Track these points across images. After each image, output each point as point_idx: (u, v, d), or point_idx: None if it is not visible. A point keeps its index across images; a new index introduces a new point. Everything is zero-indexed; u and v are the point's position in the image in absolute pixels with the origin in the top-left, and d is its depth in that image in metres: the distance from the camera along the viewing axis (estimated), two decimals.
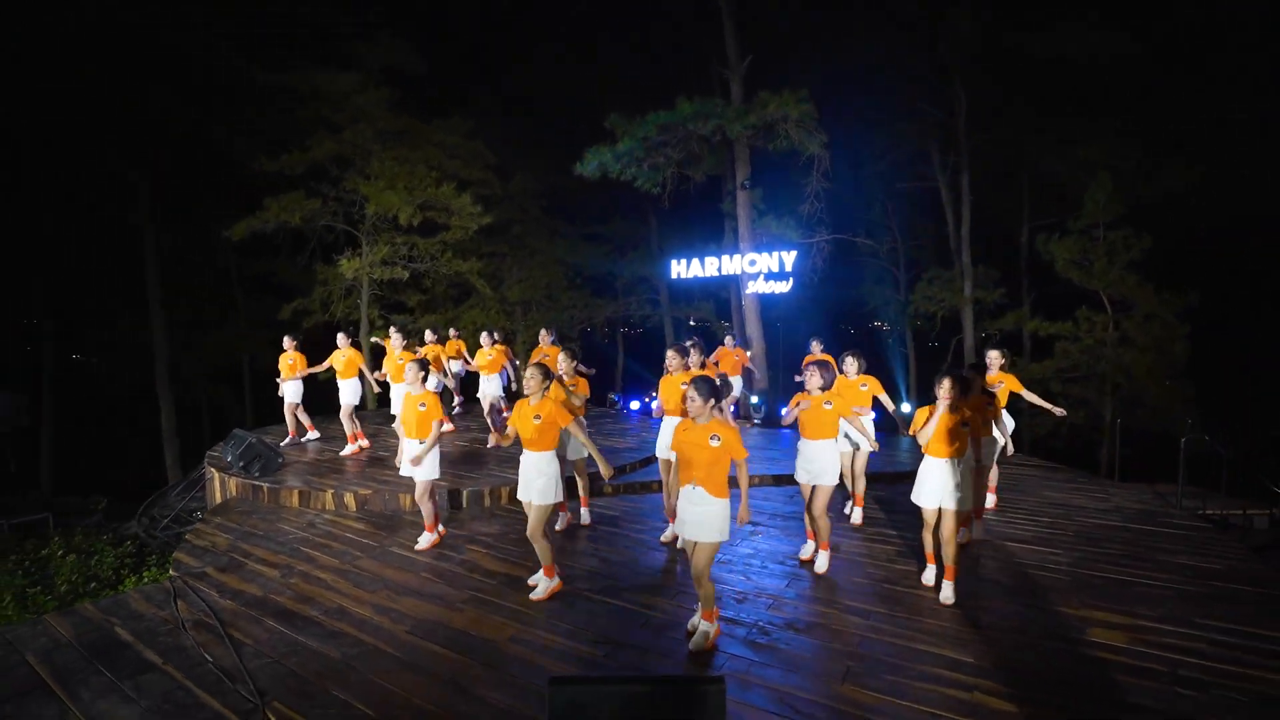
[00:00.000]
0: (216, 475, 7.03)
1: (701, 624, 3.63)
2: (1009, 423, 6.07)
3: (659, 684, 2.44)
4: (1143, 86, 15.32)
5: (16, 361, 20.83)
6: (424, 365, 4.92)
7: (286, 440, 8.27)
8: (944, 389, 4.14)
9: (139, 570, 6.42)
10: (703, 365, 6.15)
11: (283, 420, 8.55)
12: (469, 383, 10.21)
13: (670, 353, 5.14)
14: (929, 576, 4.36)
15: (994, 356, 5.98)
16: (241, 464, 6.65)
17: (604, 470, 4.27)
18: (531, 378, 4.34)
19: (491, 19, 17.73)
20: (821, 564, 4.63)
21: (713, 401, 3.53)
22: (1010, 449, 5.78)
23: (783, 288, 11.62)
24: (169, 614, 4.07)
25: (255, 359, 20.20)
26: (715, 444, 3.46)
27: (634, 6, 14.50)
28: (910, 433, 4.38)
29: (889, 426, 8.64)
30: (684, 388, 3.60)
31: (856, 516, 5.79)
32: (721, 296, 18.51)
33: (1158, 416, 13.26)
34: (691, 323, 20.98)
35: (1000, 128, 16.66)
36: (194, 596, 4.31)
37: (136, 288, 17.66)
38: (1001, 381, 5.95)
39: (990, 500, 6.15)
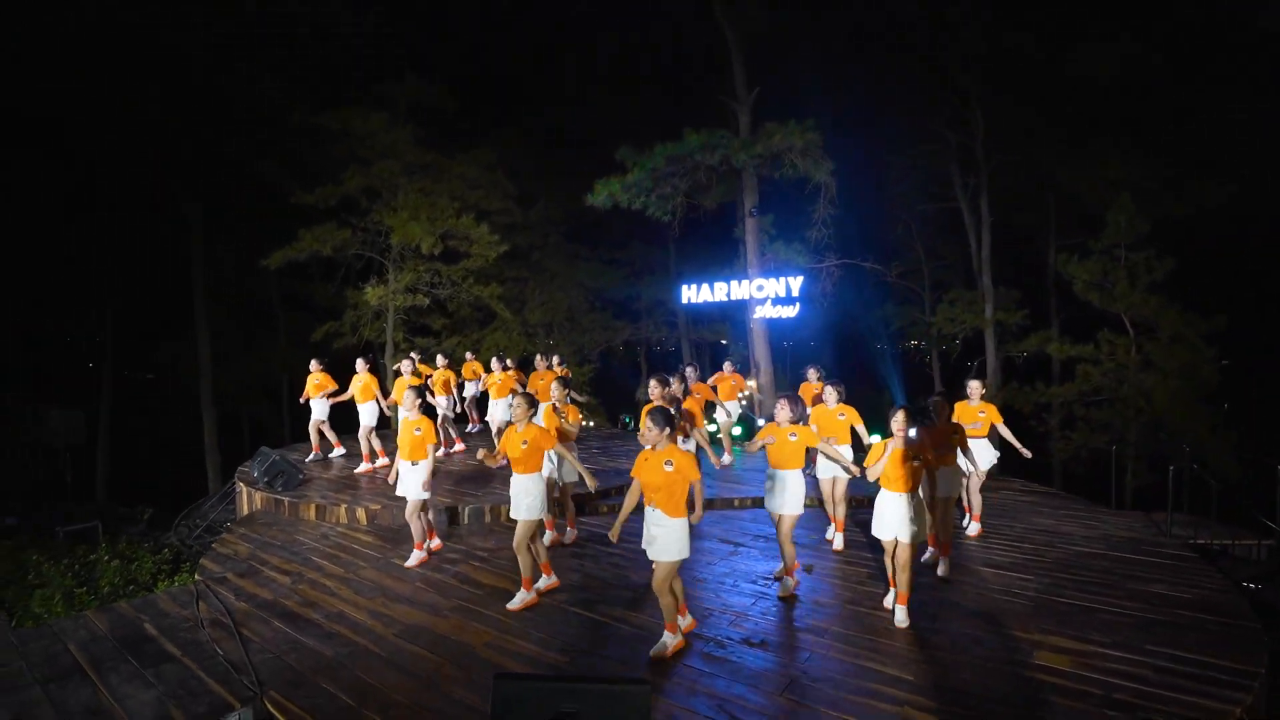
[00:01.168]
0: (244, 489, 7.61)
1: (665, 634, 3.92)
2: (990, 453, 6.17)
3: (589, 683, 2.76)
4: (1168, 102, 15.16)
5: (77, 378, 22.27)
6: (420, 392, 5.36)
7: (311, 456, 8.84)
8: (897, 422, 4.35)
9: (173, 575, 6.99)
10: (686, 394, 6.48)
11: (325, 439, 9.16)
12: (484, 405, 10.66)
13: (652, 381, 5.48)
14: (890, 600, 4.52)
15: (975, 386, 6.13)
16: (266, 479, 7.20)
17: (590, 483, 4.76)
18: (518, 406, 4.75)
19: (514, 59, 18.64)
20: (787, 587, 4.84)
21: (668, 430, 3.86)
22: (978, 477, 5.89)
23: (790, 312, 11.85)
24: (190, 613, 4.55)
25: (294, 377, 21.25)
26: (669, 469, 3.77)
27: (647, 44, 15.14)
28: (865, 465, 4.51)
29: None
30: (646, 417, 3.95)
31: (838, 542, 5.92)
32: (738, 319, 18.77)
33: (1182, 443, 12.94)
34: (721, 341, 21.17)
35: (1021, 148, 16.64)
36: (214, 598, 4.79)
37: (185, 309, 18.90)
38: (984, 411, 6.10)
39: (974, 529, 6.24)
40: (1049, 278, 19.44)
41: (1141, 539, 6.26)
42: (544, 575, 4.88)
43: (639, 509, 3.98)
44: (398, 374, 8.68)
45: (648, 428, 3.85)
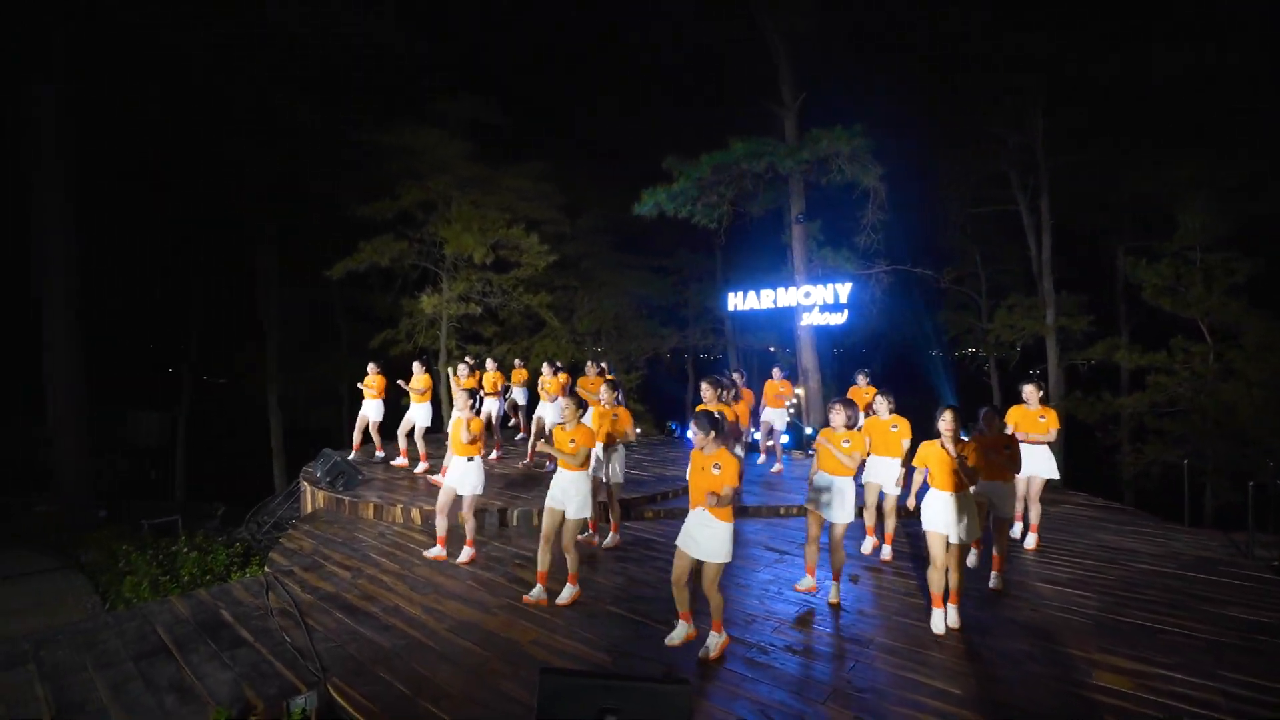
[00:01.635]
0: (308, 488, 8.03)
1: (711, 634, 3.99)
2: (1050, 461, 5.92)
3: (631, 681, 2.85)
4: (1245, 99, 14.25)
5: (159, 384, 23.86)
6: (473, 394, 5.59)
7: (379, 455, 9.26)
8: (945, 422, 4.30)
9: (244, 566, 7.45)
10: (736, 399, 6.52)
11: (369, 440, 9.58)
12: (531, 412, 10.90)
13: (704, 384, 5.56)
14: (936, 622, 4.31)
15: (1030, 391, 5.93)
16: (328, 479, 7.59)
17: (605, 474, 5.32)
18: (567, 407, 4.92)
19: (561, 71, 19.10)
20: (833, 595, 4.80)
21: (713, 434, 3.94)
22: (1037, 485, 5.68)
23: (838, 320, 11.69)
24: (261, 602, 4.86)
25: (354, 383, 22.22)
26: (716, 472, 3.85)
27: (692, 54, 15.27)
28: (915, 465, 4.53)
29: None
30: (692, 421, 4.04)
31: (886, 553, 5.83)
32: (785, 326, 18.59)
33: (1268, 457, 12.07)
34: (769, 349, 21.03)
35: (1085, 148, 15.94)
36: (281, 589, 5.10)
37: (257, 319, 20.08)
38: (1044, 416, 5.89)
39: (1031, 541, 6.03)
40: (1117, 282, 18.52)
41: (1217, 559, 5.92)
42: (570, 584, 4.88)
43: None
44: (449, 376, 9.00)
45: (692, 431, 3.94)
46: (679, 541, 3.99)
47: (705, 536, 3.85)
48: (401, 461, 8.68)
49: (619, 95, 17.59)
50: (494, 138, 14.42)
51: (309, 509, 7.97)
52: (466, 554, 5.68)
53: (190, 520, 11.51)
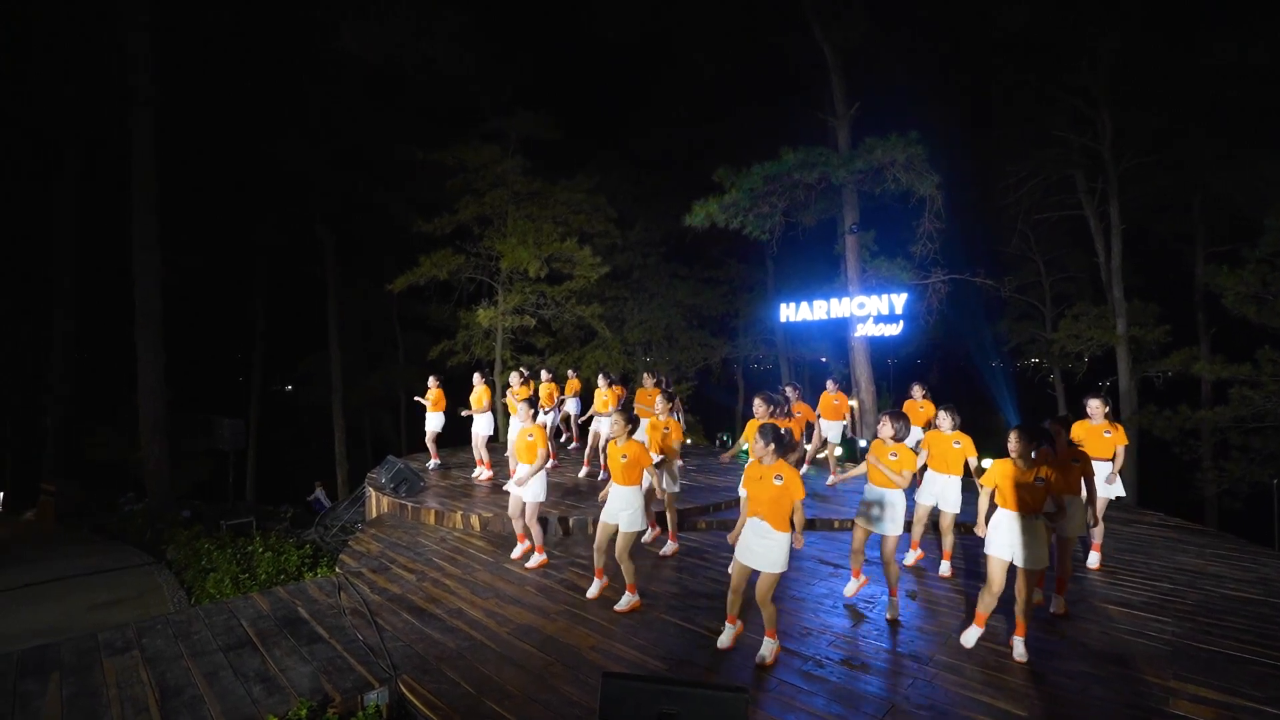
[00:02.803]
0: (373, 494, 8.41)
1: (765, 640, 4.06)
2: (1112, 487, 5.64)
3: (690, 687, 2.93)
4: None
5: (231, 391, 25.36)
6: (533, 403, 5.78)
7: (432, 464, 9.62)
8: (1011, 442, 4.20)
9: (314, 567, 7.84)
10: (788, 414, 6.52)
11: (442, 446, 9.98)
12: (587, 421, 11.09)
13: (756, 400, 5.58)
14: (968, 637, 4.25)
15: (1095, 405, 5.67)
16: (391, 485, 7.94)
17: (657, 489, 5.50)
18: (617, 422, 5.02)
19: (612, 84, 19.47)
20: (890, 610, 4.74)
21: (774, 446, 3.99)
22: (1094, 518, 5.37)
23: (893, 330, 11.47)
24: (334, 601, 5.15)
25: (410, 392, 23.10)
26: (778, 483, 3.89)
27: (743, 65, 15.32)
28: (983, 484, 4.42)
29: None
30: (756, 431, 4.10)
31: (944, 569, 5.71)
32: (838, 336, 18.31)
33: None
34: (822, 360, 20.77)
35: (1157, 149, 15.20)
36: (352, 590, 5.38)
37: (320, 330, 21.12)
38: (1109, 432, 5.64)
39: (1094, 560, 5.79)
40: (1195, 290, 17.52)
41: None
42: (596, 579, 5.18)
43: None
44: (506, 386, 9.29)
45: (755, 442, 3.99)
46: (737, 554, 4.07)
47: (763, 547, 3.91)
48: (486, 474, 8.96)
49: (670, 108, 17.80)
50: (547, 152, 14.83)
51: (374, 514, 8.34)
52: (535, 560, 5.88)
53: (261, 522, 12.18)
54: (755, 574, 3.99)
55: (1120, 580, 5.59)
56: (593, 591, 5.12)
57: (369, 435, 26.07)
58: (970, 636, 4.26)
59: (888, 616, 4.71)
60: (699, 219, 11.90)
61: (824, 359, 20.51)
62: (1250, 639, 4.43)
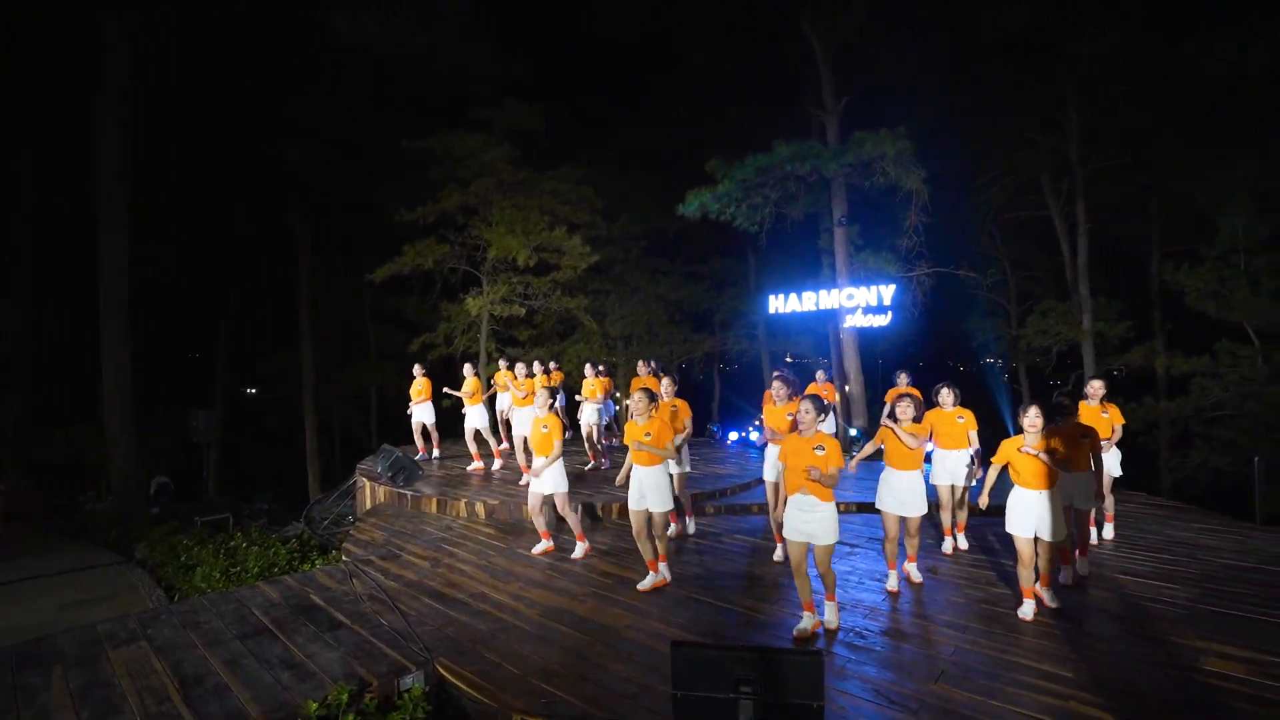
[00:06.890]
0: (367, 484, 8.13)
1: (827, 604, 4.14)
2: (1113, 460, 5.87)
3: (764, 653, 2.87)
4: None
5: (196, 387, 24.25)
6: (553, 393, 5.64)
7: (418, 456, 9.35)
8: (1029, 418, 4.28)
9: (303, 562, 7.52)
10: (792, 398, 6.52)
11: (410, 441, 9.70)
12: (571, 410, 10.95)
13: (776, 383, 5.54)
14: (1025, 609, 4.30)
15: (1096, 386, 5.88)
16: (390, 474, 7.68)
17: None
18: (638, 401, 4.91)
19: (598, 76, 19.35)
20: (915, 574, 4.81)
21: (821, 416, 3.99)
22: (1104, 487, 5.57)
23: (881, 321, 11.67)
24: (347, 588, 4.94)
25: (382, 388, 22.48)
26: (820, 453, 3.87)
27: (733, 59, 15.40)
28: (994, 462, 4.49)
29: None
30: (801, 402, 4.05)
31: (961, 543, 5.81)
32: (819, 331, 18.54)
33: None
34: (789, 359, 21.05)
35: (1121, 151, 15.83)
36: (365, 577, 5.17)
37: (290, 326, 20.39)
38: (1106, 412, 5.84)
39: (1109, 531, 5.99)
40: (1152, 287, 18.31)
41: None
42: (662, 564, 4.97)
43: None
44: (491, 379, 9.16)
45: (804, 411, 3.98)
46: (786, 533, 4.05)
47: (815, 520, 3.90)
48: (477, 465, 8.79)
49: (664, 106, 17.79)
50: (532, 142, 14.62)
51: (368, 505, 8.07)
52: (580, 549, 5.65)
53: (238, 519, 11.66)
54: (810, 549, 3.98)
55: (1123, 553, 5.77)
56: (645, 584, 4.84)
57: (338, 432, 25.30)
58: (1027, 609, 4.30)
59: (913, 580, 4.86)
60: (692, 208, 11.90)
61: (789, 358, 20.75)
62: (1258, 601, 4.61)
